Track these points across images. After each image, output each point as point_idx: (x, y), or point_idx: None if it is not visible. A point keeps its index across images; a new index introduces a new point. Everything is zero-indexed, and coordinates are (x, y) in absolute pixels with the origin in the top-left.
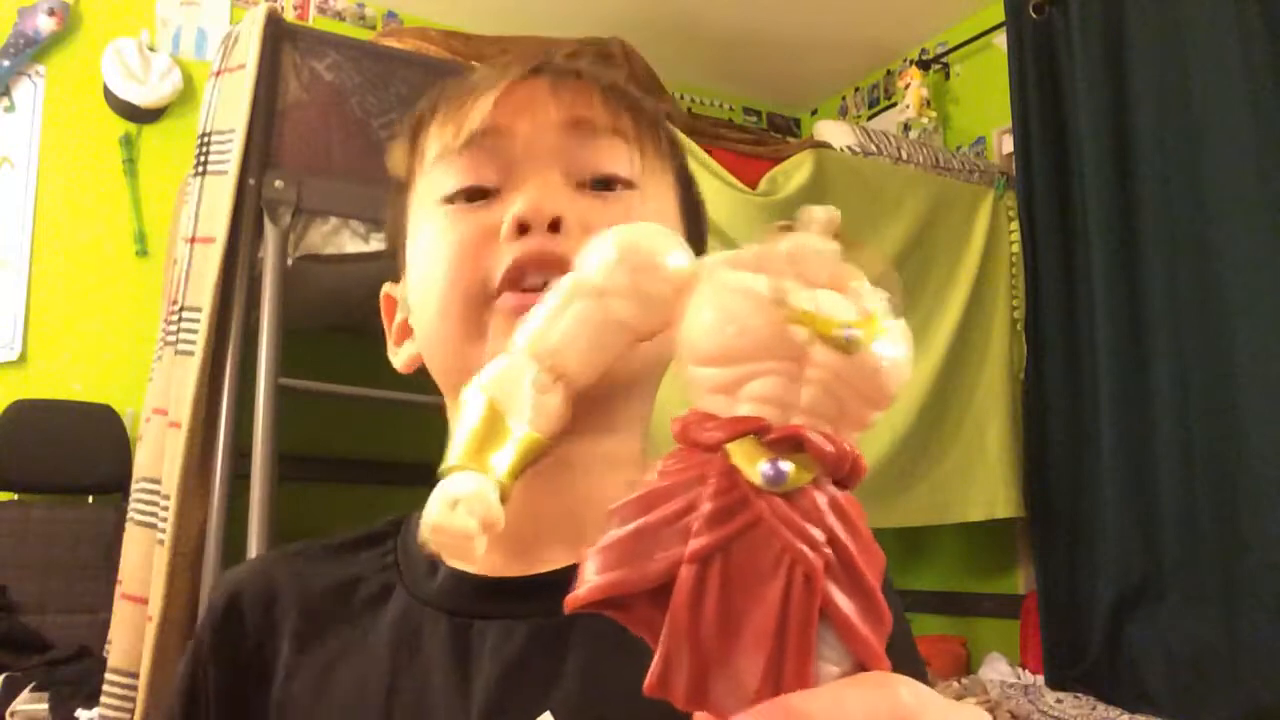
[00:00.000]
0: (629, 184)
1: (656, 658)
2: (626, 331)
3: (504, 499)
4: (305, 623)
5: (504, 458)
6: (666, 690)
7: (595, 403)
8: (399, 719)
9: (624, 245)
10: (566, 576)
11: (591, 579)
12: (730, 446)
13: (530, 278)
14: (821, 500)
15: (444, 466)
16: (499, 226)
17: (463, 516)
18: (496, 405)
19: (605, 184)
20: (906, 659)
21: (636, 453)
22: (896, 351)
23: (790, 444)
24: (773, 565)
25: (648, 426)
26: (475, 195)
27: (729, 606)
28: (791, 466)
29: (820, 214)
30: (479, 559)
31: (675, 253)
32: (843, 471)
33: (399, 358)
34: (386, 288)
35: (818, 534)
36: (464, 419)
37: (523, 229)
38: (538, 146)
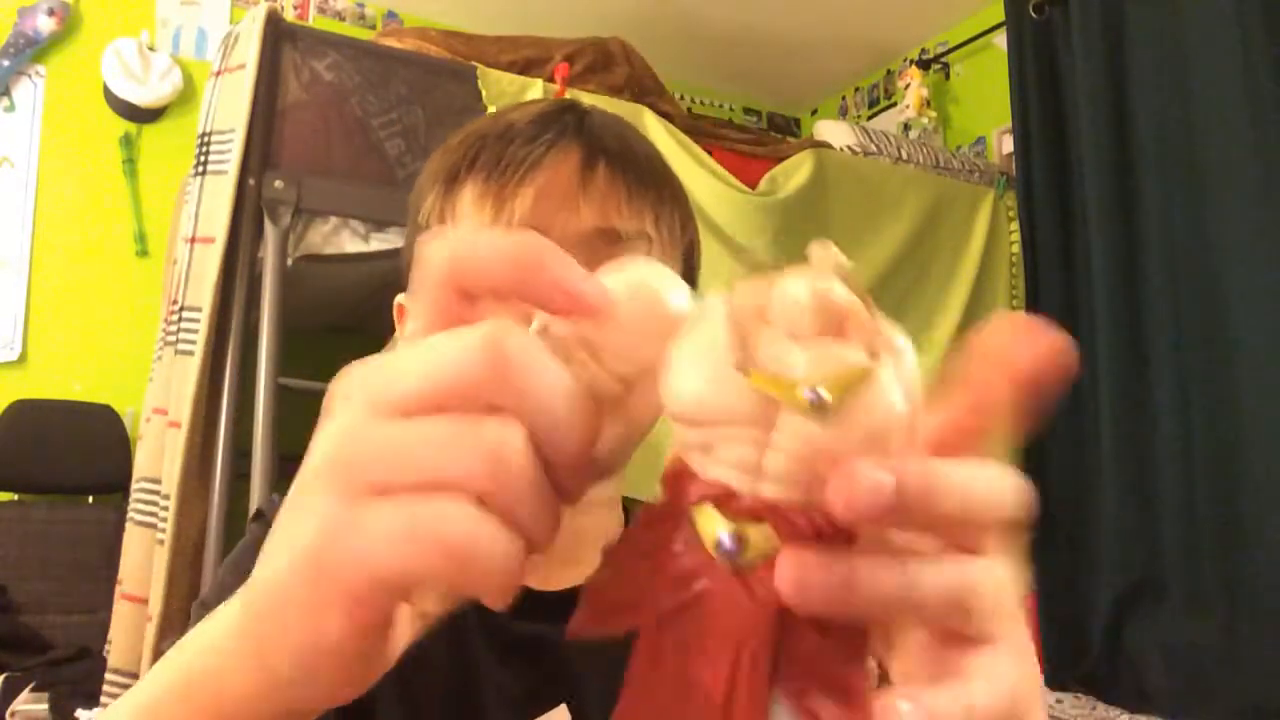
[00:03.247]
0: None
1: (617, 710)
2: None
3: None
4: None
5: None
6: None
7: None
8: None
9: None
10: (556, 596)
11: (581, 618)
12: (695, 509)
13: None
14: None
15: None
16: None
17: None
18: None
19: None
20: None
21: (618, 494)
22: (884, 407)
23: (753, 515)
24: (721, 639)
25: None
26: None
27: (682, 671)
28: (751, 540)
29: (819, 252)
30: None
31: (670, 300)
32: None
33: None
34: (400, 298)
35: (770, 614)
36: None
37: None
38: (567, 249)
